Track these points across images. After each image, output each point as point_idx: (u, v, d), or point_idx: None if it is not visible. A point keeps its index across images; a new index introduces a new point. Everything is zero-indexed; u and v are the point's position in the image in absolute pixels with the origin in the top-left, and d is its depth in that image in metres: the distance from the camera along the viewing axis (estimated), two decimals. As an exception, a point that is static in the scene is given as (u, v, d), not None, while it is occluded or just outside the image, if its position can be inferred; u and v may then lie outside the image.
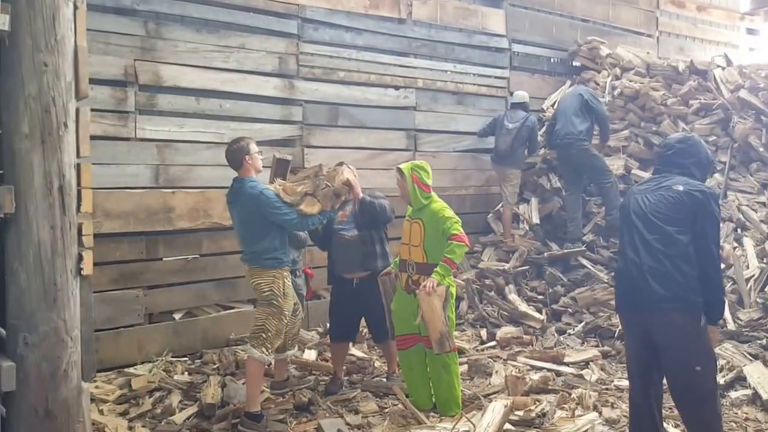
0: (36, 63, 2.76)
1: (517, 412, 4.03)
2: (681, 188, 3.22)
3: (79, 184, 2.98)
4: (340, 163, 4.49)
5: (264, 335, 4.09)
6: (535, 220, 7.30)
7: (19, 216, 2.75)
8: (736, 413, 4.24)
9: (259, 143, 5.88)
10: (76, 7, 2.96)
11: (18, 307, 2.78)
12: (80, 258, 2.94)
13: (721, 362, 4.90)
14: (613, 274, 5.77)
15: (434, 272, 4.08)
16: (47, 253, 2.79)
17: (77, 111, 2.95)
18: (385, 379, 4.87)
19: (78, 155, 2.96)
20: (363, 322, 4.89)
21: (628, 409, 3.49)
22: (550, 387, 4.61)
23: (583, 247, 6.87)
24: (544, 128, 7.72)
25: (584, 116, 6.91)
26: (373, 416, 4.29)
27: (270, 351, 4.13)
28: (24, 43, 2.75)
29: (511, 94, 7.83)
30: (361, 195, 4.56)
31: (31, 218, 2.76)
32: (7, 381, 2.70)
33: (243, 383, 4.61)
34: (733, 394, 4.47)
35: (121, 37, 5.33)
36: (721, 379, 4.61)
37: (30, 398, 2.78)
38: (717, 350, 4.98)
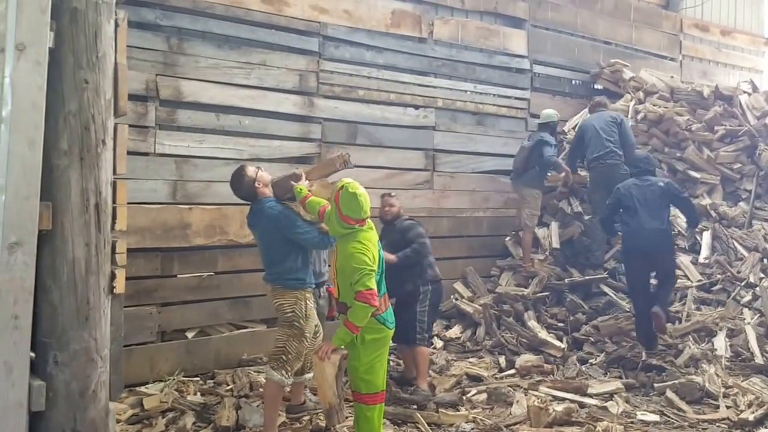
0: (77, 80, 2.76)
1: (542, 446, 3.89)
2: (662, 184, 5.74)
3: (114, 201, 2.96)
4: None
5: (284, 357, 4.01)
6: (555, 244, 7.16)
7: (55, 233, 2.73)
8: (769, 453, 4.08)
9: (277, 160, 5.93)
10: (117, 25, 2.96)
11: (49, 325, 2.75)
12: (113, 276, 2.92)
13: (749, 397, 4.77)
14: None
15: (334, 336, 3.60)
16: (81, 271, 2.76)
17: (115, 128, 2.94)
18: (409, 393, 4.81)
19: (114, 172, 2.96)
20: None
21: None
22: (574, 419, 4.47)
23: (605, 274, 6.73)
24: (565, 151, 7.61)
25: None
26: (391, 445, 4.16)
27: (290, 374, 4.05)
28: (66, 60, 2.75)
29: (532, 115, 7.76)
30: (395, 259, 4.64)
31: (67, 235, 2.74)
32: (36, 400, 2.67)
33: (257, 405, 4.51)
34: (763, 432, 4.30)
35: (144, 51, 5.31)
36: (750, 416, 4.48)
37: (58, 418, 2.74)
38: (744, 384, 4.92)
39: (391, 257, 4.66)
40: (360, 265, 3.47)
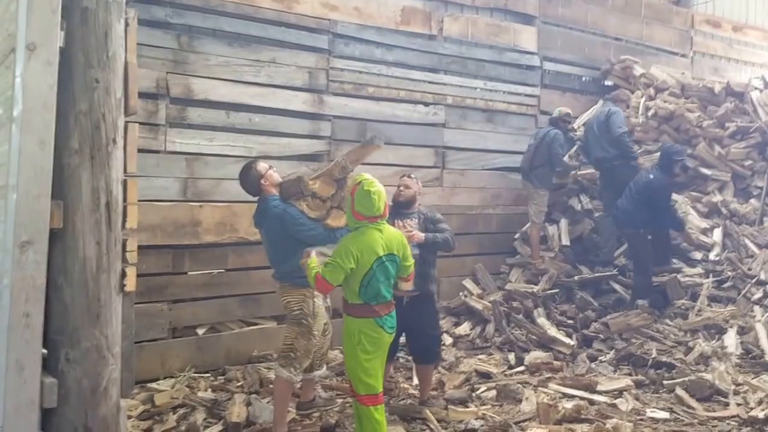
0: (88, 79, 2.77)
1: (551, 443, 3.89)
2: (651, 176, 6.28)
3: (124, 199, 2.97)
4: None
5: (293, 354, 4.03)
6: (565, 241, 7.14)
7: (66, 231, 2.74)
8: (779, 451, 4.05)
9: (286, 158, 5.95)
10: (127, 24, 2.96)
11: (60, 323, 2.76)
12: (123, 274, 2.93)
13: (759, 395, 4.75)
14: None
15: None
16: (92, 269, 2.77)
17: (125, 127, 2.94)
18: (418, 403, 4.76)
19: (125, 171, 2.96)
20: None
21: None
22: (583, 416, 4.45)
23: (615, 271, 6.71)
24: (576, 147, 7.59)
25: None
26: (401, 442, 4.17)
27: (298, 371, 4.07)
28: (76, 59, 2.75)
29: (542, 112, 7.75)
30: (423, 238, 4.43)
31: (78, 234, 2.75)
32: (48, 397, 2.68)
33: (268, 402, 4.54)
34: (774, 430, 4.27)
35: (154, 49, 5.34)
36: (760, 413, 4.45)
37: (69, 415, 2.75)
38: (754, 382, 4.92)
39: (421, 236, 4.44)
40: (335, 251, 3.54)
